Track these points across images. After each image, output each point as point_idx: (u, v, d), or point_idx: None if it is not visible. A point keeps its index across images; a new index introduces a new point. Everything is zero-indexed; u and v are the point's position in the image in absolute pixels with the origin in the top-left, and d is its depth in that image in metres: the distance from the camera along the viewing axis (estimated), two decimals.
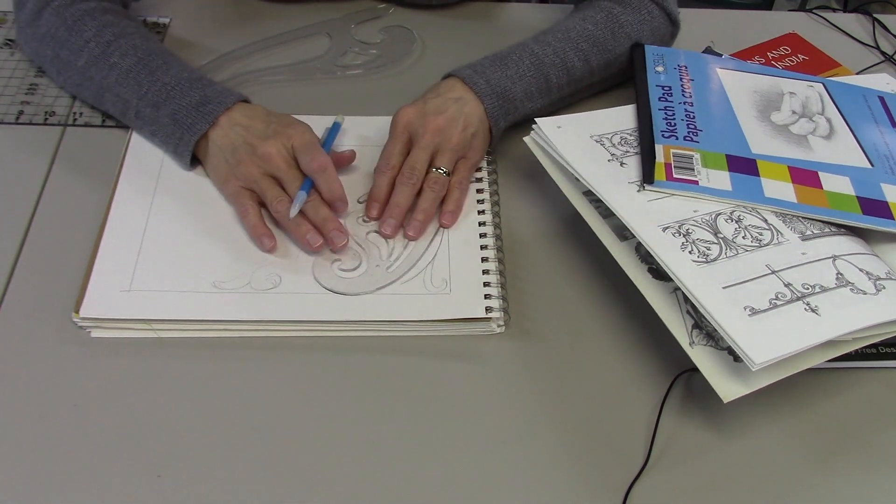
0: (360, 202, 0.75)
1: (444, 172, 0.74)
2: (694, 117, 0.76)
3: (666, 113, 0.76)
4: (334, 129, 0.79)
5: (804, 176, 0.72)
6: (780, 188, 0.70)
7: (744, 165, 0.72)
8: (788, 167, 0.73)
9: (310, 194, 0.71)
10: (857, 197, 0.71)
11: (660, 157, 0.71)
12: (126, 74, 0.76)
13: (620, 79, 0.87)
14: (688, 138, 0.74)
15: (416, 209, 0.73)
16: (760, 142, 0.75)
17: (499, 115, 0.78)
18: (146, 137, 0.79)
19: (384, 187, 0.74)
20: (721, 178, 0.70)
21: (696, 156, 0.72)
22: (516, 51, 0.80)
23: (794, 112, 0.79)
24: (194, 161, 0.76)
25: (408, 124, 0.75)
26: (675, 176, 0.70)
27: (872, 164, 0.75)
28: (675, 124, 0.75)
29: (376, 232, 0.73)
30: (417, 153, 0.74)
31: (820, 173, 0.73)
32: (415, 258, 0.71)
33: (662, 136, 0.74)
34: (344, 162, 0.78)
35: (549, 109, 0.82)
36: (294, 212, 0.69)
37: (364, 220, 0.74)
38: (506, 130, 0.82)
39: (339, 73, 0.89)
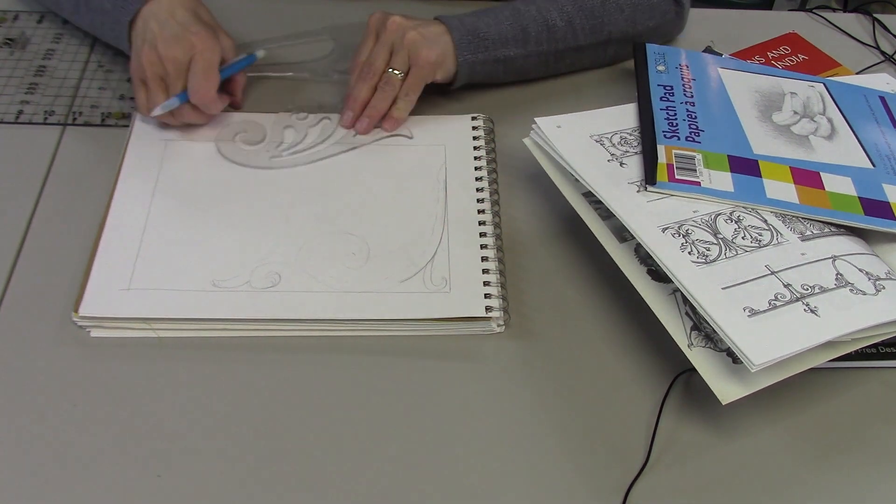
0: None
1: (398, 74, 0.78)
2: (696, 117, 0.76)
3: (668, 113, 0.76)
4: (246, 60, 0.81)
5: (806, 177, 0.72)
6: (782, 189, 0.70)
7: (746, 166, 0.72)
8: (790, 168, 0.72)
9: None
10: (859, 198, 0.70)
11: (662, 158, 0.71)
12: None
13: (620, 54, 0.89)
14: (690, 139, 0.74)
15: (368, 107, 0.79)
16: (762, 142, 0.75)
17: (466, 48, 0.80)
18: (98, 33, 0.83)
19: (364, 95, 0.79)
20: (723, 179, 0.70)
21: (698, 156, 0.72)
22: (498, 5, 0.83)
23: (795, 112, 0.79)
24: None
25: (375, 22, 0.80)
26: (676, 177, 0.70)
27: (874, 165, 0.75)
28: (676, 124, 0.75)
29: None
30: (378, 49, 0.78)
31: (822, 174, 0.73)
32: (414, 256, 0.71)
33: (664, 136, 0.74)
34: (236, 89, 0.82)
35: (529, 62, 0.84)
36: (155, 112, 0.75)
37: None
38: (505, 131, 0.82)
39: (336, 76, 0.88)
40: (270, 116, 0.82)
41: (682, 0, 0.89)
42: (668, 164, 0.71)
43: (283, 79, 0.88)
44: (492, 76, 0.84)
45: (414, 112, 0.82)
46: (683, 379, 0.65)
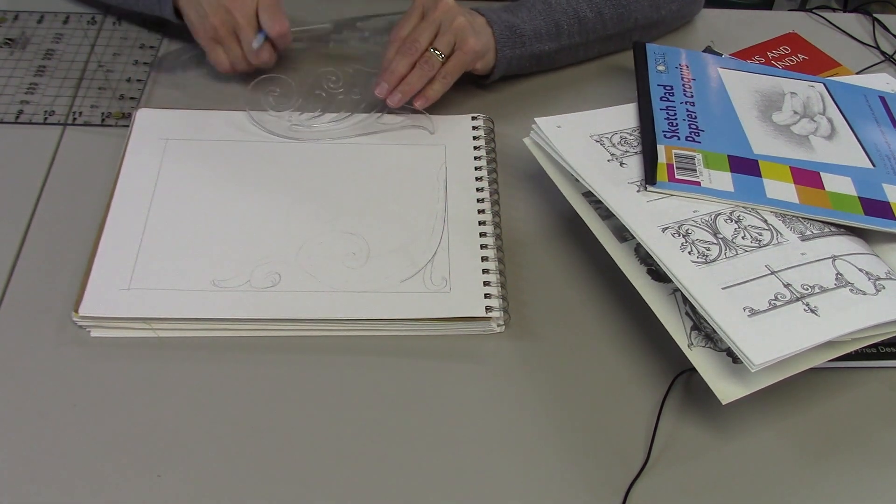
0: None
1: (440, 55, 0.78)
2: (696, 117, 0.76)
3: (668, 113, 0.76)
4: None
5: (806, 176, 0.72)
6: (782, 189, 0.70)
7: (746, 166, 0.72)
8: (790, 168, 0.72)
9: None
10: (860, 197, 0.70)
11: (662, 158, 0.71)
12: None
13: (644, 37, 0.90)
14: (689, 138, 0.74)
15: (403, 82, 0.79)
16: (762, 142, 0.75)
17: (505, 43, 0.82)
18: (134, 6, 0.88)
19: (401, 70, 0.79)
20: (723, 179, 0.70)
21: (698, 156, 0.72)
22: (529, 0, 0.85)
23: (795, 112, 0.79)
24: (179, 16, 0.84)
25: (423, 3, 0.80)
26: (676, 177, 0.70)
27: (874, 165, 0.75)
28: (676, 124, 0.75)
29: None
30: (423, 26, 0.79)
31: (822, 174, 0.73)
32: (413, 254, 0.71)
33: (664, 136, 0.74)
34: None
35: (560, 55, 0.86)
36: (256, 45, 0.80)
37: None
38: (506, 131, 0.82)
39: (370, 37, 0.91)
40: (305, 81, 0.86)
41: None
42: (668, 164, 0.71)
43: (319, 37, 0.91)
44: (524, 69, 0.86)
45: (414, 112, 0.82)
46: (683, 379, 0.65)
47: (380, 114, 0.83)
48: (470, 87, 0.87)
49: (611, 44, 0.89)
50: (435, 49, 0.79)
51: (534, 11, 0.84)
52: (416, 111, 0.82)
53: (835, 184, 0.72)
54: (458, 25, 0.79)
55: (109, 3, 0.91)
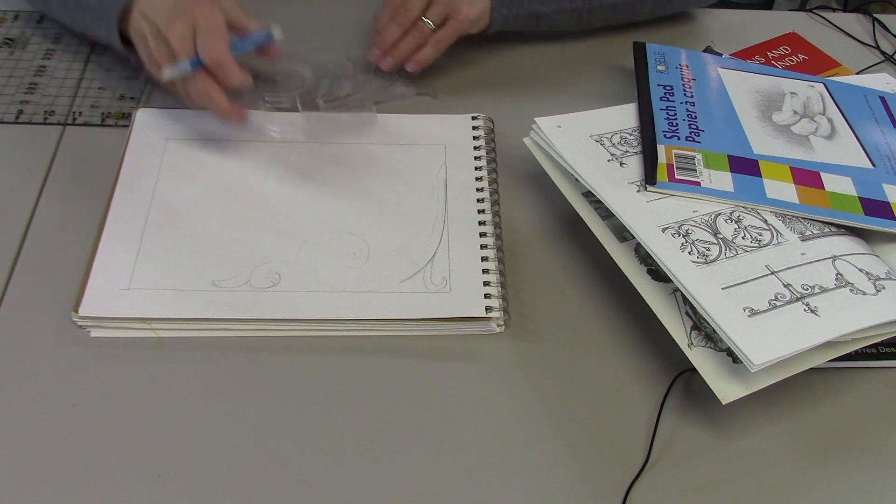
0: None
1: (430, 24, 0.80)
2: (696, 117, 0.76)
3: (668, 113, 0.76)
4: (261, 37, 0.76)
5: (806, 177, 0.72)
6: (782, 189, 0.70)
7: (746, 166, 0.72)
8: (790, 168, 0.72)
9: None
10: (860, 198, 0.70)
11: (662, 158, 0.71)
12: None
13: (653, 14, 0.90)
14: (689, 138, 0.74)
15: (394, 48, 0.80)
16: (762, 142, 0.75)
17: (502, 1, 0.82)
18: (88, 31, 0.81)
19: (394, 35, 0.80)
20: (723, 179, 0.70)
21: (698, 156, 0.72)
22: None
23: (795, 112, 0.79)
24: (127, 45, 0.77)
25: None
26: (676, 177, 0.70)
27: (874, 165, 0.75)
28: (676, 124, 0.75)
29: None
30: None
31: (822, 174, 0.73)
32: (413, 255, 0.71)
33: (664, 136, 0.74)
34: (273, 54, 0.77)
35: (562, 17, 0.86)
36: (166, 75, 0.71)
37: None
38: (506, 131, 0.82)
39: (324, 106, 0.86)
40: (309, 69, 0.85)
41: None
42: (668, 164, 0.71)
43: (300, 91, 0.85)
44: (523, 28, 0.86)
45: (414, 111, 0.82)
46: (683, 379, 0.65)
47: (385, 87, 0.83)
48: (470, 87, 0.87)
49: (618, 13, 0.88)
50: (426, 18, 0.80)
51: None
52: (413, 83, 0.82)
53: (835, 184, 0.72)
54: None
55: (64, 23, 0.86)
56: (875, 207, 0.70)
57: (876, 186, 0.72)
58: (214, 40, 0.70)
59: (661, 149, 0.72)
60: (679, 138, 0.73)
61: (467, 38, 0.85)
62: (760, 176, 0.71)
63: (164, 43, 0.71)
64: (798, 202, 0.69)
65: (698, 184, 0.69)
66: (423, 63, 0.82)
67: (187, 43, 0.71)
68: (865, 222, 0.68)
